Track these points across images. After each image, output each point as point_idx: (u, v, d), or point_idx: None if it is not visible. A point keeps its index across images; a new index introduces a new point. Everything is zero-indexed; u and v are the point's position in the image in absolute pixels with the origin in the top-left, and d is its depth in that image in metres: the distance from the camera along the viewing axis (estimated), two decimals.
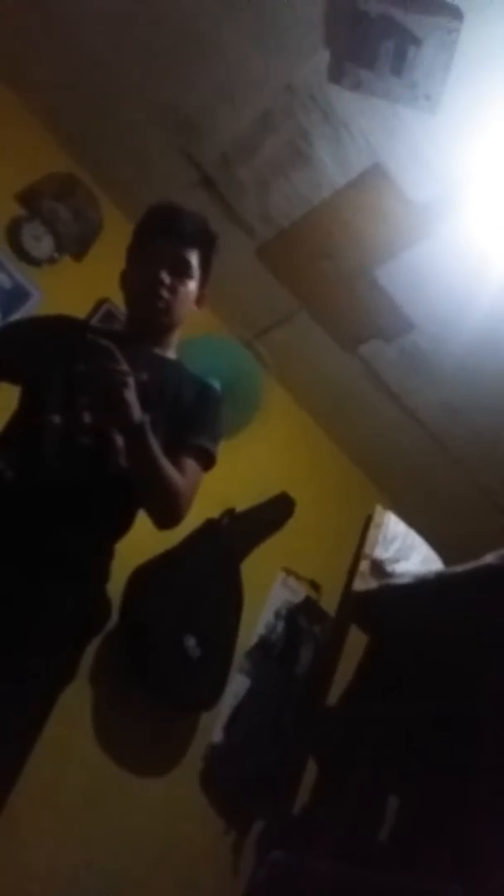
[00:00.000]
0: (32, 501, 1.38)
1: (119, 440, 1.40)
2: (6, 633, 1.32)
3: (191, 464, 1.49)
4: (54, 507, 1.38)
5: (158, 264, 1.54)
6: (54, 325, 1.65)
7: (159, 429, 1.45)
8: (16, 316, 2.41)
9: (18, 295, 2.47)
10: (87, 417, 1.42)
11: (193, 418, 1.54)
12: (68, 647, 1.43)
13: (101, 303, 2.61)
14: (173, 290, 1.54)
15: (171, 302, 1.54)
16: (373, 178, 2.32)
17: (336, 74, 2.08)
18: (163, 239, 1.56)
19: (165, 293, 1.53)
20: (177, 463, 1.45)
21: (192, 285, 1.58)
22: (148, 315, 1.57)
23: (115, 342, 1.57)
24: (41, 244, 2.53)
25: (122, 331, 1.69)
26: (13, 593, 1.33)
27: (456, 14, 1.85)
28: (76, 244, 2.60)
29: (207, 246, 1.60)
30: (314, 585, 2.90)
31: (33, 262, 2.52)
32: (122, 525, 1.51)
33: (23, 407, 1.51)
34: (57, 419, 1.42)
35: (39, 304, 2.48)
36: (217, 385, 2.49)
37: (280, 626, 2.78)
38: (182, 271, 1.55)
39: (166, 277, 1.53)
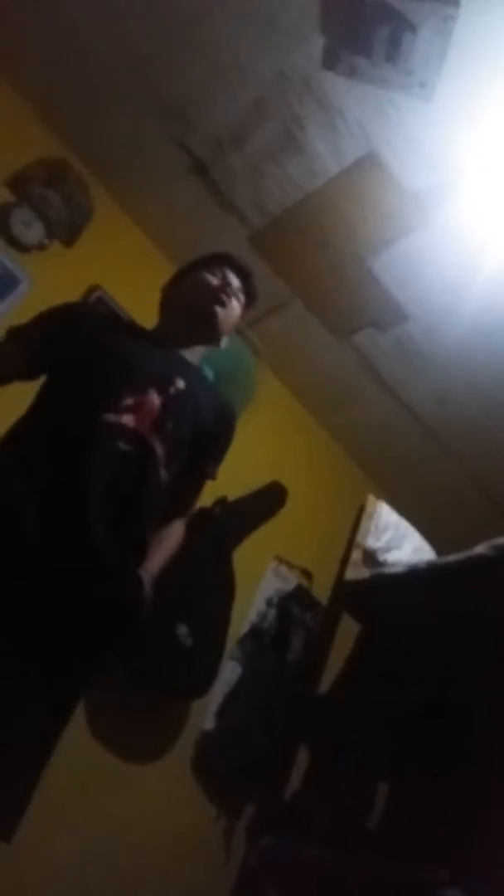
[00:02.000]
0: (73, 510, 1.32)
1: (160, 450, 1.42)
2: (41, 647, 1.29)
3: (198, 490, 1.67)
4: (97, 517, 1.33)
5: (227, 277, 1.68)
6: (88, 317, 1.68)
7: (187, 435, 1.51)
8: (4, 303, 2.39)
9: (7, 282, 2.44)
10: (127, 420, 1.40)
11: (215, 445, 1.64)
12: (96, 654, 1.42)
13: (92, 289, 2.59)
14: (234, 298, 1.67)
15: (227, 307, 1.65)
16: (367, 166, 2.30)
17: (330, 61, 2.06)
18: (229, 269, 1.71)
19: (228, 296, 1.65)
20: (190, 485, 1.60)
21: (240, 310, 1.71)
22: (203, 314, 1.64)
23: (152, 342, 1.60)
24: (31, 230, 2.50)
25: (158, 332, 1.70)
26: (46, 607, 1.29)
27: (452, 0, 1.83)
28: (66, 230, 2.57)
29: (251, 301, 1.75)
30: (306, 574, 2.91)
31: (23, 248, 2.49)
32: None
33: (51, 402, 1.46)
34: (112, 417, 1.39)
35: (29, 291, 2.45)
36: (210, 374, 2.50)
37: (272, 613, 2.78)
38: (238, 294, 1.70)
39: (234, 281, 1.69)
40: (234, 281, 1.70)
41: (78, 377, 1.46)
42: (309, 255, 2.64)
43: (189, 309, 1.67)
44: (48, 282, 2.48)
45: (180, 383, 1.50)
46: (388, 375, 2.94)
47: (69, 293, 2.49)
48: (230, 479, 2.65)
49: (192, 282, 1.70)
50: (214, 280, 1.67)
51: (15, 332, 1.57)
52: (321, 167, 2.38)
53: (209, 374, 2.49)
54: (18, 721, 1.29)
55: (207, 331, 1.67)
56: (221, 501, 2.67)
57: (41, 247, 2.53)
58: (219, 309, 1.64)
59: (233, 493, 2.68)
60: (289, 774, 2.26)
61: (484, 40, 1.89)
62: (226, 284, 1.67)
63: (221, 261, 1.73)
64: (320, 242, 2.58)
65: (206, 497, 2.63)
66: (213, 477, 1.67)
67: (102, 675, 1.47)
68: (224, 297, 1.65)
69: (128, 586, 1.38)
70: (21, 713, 1.29)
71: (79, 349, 1.51)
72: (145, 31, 2.24)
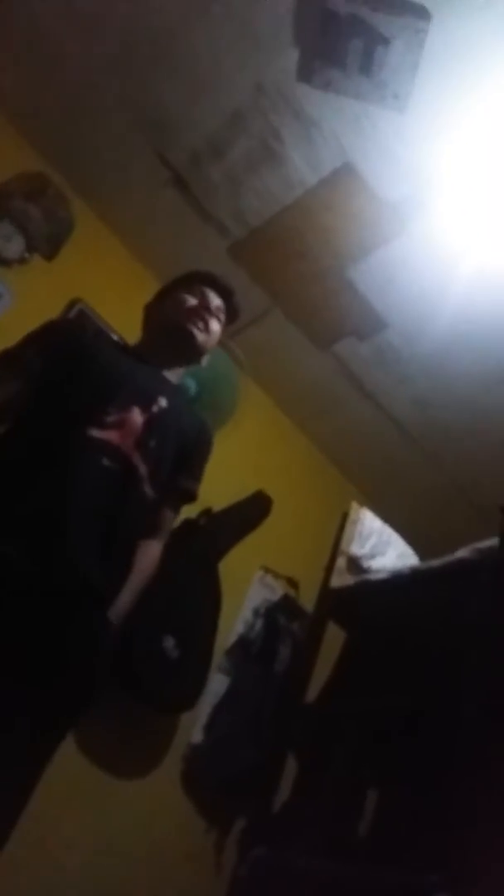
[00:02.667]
0: (54, 525, 1.30)
1: (142, 468, 1.42)
2: (36, 667, 1.28)
3: (173, 508, 1.63)
4: (82, 536, 1.32)
5: (207, 297, 1.70)
6: (73, 333, 1.69)
7: (169, 453, 1.51)
8: None
9: None
10: (111, 436, 1.40)
11: (191, 460, 1.63)
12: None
13: (73, 303, 2.60)
14: (213, 319, 1.69)
15: (206, 328, 1.67)
16: (344, 177, 2.33)
17: (306, 74, 2.09)
18: (211, 288, 1.73)
19: (208, 316, 1.67)
20: (168, 504, 1.57)
21: (220, 330, 1.73)
22: (182, 335, 1.65)
23: (136, 359, 1.62)
24: (11, 244, 2.50)
25: (140, 351, 1.70)
26: (40, 626, 1.27)
27: (423, 14, 1.87)
28: (47, 244, 2.58)
29: (232, 319, 1.79)
30: (292, 583, 2.91)
31: (3, 262, 2.49)
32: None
33: (35, 415, 1.44)
34: (96, 433, 1.38)
35: (10, 306, 2.45)
36: (193, 385, 2.51)
37: (259, 624, 2.78)
38: (218, 314, 1.72)
39: (215, 301, 1.70)
40: (215, 300, 1.72)
41: (63, 391, 1.46)
42: (288, 265, 2.66)
43: (169, 329, 1.68)
44: (29, 296, 2.49)
45: (163, 402, 1.51)
46: (369, 383, 2.97)
47: (50, 307, 2.49)
48: (215, 490, 2.66)
49: (173, 302, 1.71)
50: (194, 300, 1.68)
51: (10, 359, 1.53)
52: (299, 178, 2.41)
53: (192, 385, 2.50)
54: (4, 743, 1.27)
55: (187, 351, 1.68)
56: (206, 512, 2.67)
57: (22, 261, 2.53)
58: (197, 331, 1.65)
59: (218, 504, 2.68)
60: (278, 784, 2.25)
61: (456, 52, 1.93)
62: (205, 305, 1.69)
63: (202, 280, 1.74)
64: (299, 253, 2.60)
65: (192, 509, 2.64)
66: (193, 496, 1.65)
67: (98, 701, 1.44)
68: (202, 320, 1.66)
69: (94, 636, 1.35)
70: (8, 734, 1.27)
71: (65, 364, 1.50)
72: (123, 45, 2.26)
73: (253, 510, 2.84)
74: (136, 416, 1.44)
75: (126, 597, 1.44)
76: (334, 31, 1.94)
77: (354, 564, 2.45)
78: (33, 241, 2.53)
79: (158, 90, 2.34)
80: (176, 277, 1.80)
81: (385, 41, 1.90)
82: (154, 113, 2.41)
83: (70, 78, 2.41)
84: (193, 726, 2.49)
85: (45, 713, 1.30)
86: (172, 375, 1.67)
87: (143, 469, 1.43)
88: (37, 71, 2.44)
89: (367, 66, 1.95)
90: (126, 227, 2.81)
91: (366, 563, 2.45)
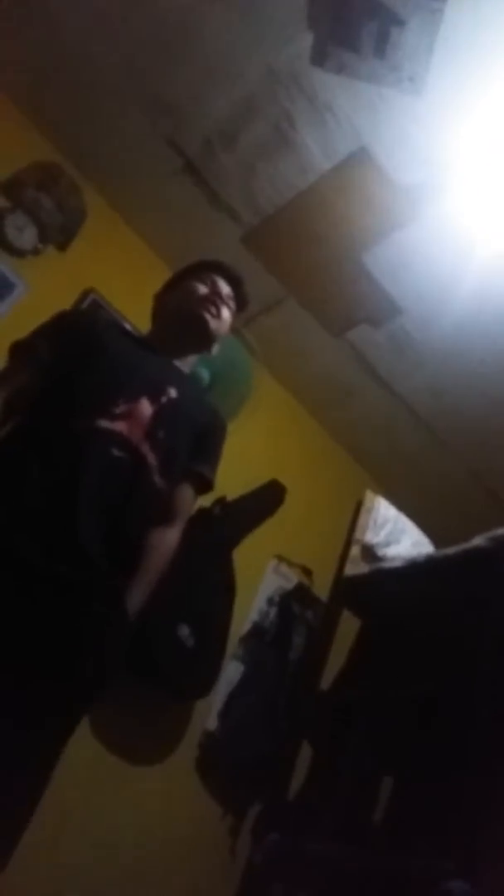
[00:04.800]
0: (64, 514, 1.31)
1: (151, 458, 1.42)
2: (46, 657, 1.28)
3: (189, 494, 1.59)
4: (92, 527, 1.32)
5: (217, 284, 1.70)
6: (84, 324, 1.67)
7: (180, 443, 1.51)
8: (1, 308, 2.40)
9: (2, 287, 2.44)
10: (120, 427, 1.40)
11: (205, 447, 1.62)
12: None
13: (86, 293, 2.60)
14: (224, 306, 1.69)
15: (217, 315, 1.66)
16: (358, 161, 2.31)
17: (319, 57, 2.07)
18: (220, 276, 1.72)
19: (220, 303, 1.67)
20: (179, 486, 1.54)
21: (230, 317, 1.72)
22: (193, 323, 1.65)
23: (146, 349, 1.61)
24: (24, 235, 2.50)
25: (151, 340, 1.70)
26: (49, 616, 1.27)
27: None
28: (60, 234, 2.58)
29: (241, 307, 1.78)
30: (306, 571, 2.92)
31: (17, 253, 2.49)
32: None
33: (45, 406, 1.44)
34: (106, 424, 1.38)
35: (24, 296, 2.45)
36: (206, 374, 2.50)
37: (273, 612, 2.79)
38: (229, 301, 1.71)
39: (225, 288, 1.70)
40: (225, 288, 1.71)
41: (73, 382, 1.46)
42: (302, 252, 2.64)
43: (179, 318, 1.68)
44: (43, 286, 2.49)
45: (172, 392, 1.51)
46: (384, 370, 2.95)
47: (64, 297, 2.50)
48: (229, 479, 2.65)
49: (183, 290, 1.71)
50: (204, 288, 1.68)
51: (22, 350, 1.53)
52: (312, 164, 2.38)
53: (205, 374, 2.50)
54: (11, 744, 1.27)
55: (198, 339, 1.68)
56: (220, 501, 2.67)
57: (35, 251, 2.53)
58: (210, 317, 1.65)
59: (232, 493, 2.69)
60: (292, 771, 2.26)
61: (472, 33, 1.90)
62: (215, 293, 1.68)
63: (211, 268, 1.74)
64: (313, 239, 2.58)
65: (206, 498, 2.64)
66: (209, 482, 1.64)
67: (106, 691, 1.44)
68: (214, 306, 1.66)
69: (108, 629, 1.34)
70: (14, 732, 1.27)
71: (75, 355, 1.50)
72: (134, 32, 2.24)
73: (267, 499, 2.84)
74: (145, 407, 1.45)
75: (142, 587, 1.44)
76: (348, 14, 1.91)
77: (369, 553, 2.44)
78: (46, 232, 2.53)
79: (170, 76, 2.32)
80: (185, 266, 1.80)
81: (400, 23, 1.87)
82: (165, 100, 2.39)
83: (80, 67, 2.40)
84: (208, 713, 2.51)
85: (54, 704, 1.30)
86: (183, 364, 1.67)
87: (152, 459, 1.43)
88: (47, 61, 2.43)
89: (381, 48, 1.93)
90: (138, 216, 2.80)
91: (380, 552, 2.44)
